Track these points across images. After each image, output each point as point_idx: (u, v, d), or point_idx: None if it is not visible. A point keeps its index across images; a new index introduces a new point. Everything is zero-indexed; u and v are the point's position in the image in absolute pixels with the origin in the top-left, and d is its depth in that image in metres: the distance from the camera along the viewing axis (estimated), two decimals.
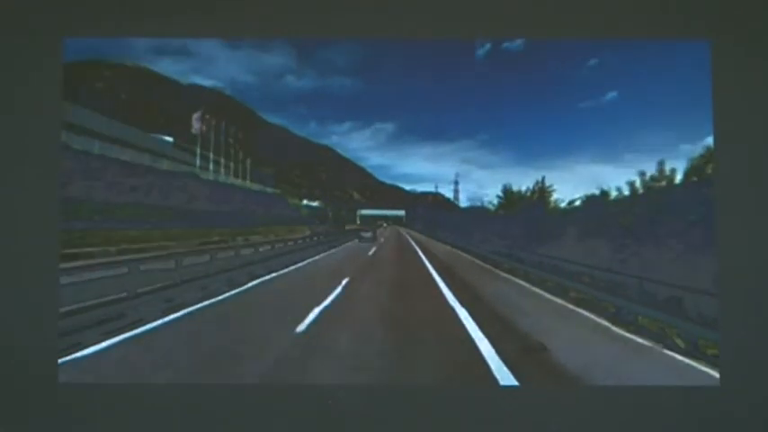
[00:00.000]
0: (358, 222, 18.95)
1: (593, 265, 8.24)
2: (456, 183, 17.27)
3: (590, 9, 4.81)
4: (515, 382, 4.54)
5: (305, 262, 12.14)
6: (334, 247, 15.24)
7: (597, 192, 11.28)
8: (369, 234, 15.19)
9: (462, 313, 6.89)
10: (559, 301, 7.82)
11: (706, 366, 4.82)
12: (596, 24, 4.83)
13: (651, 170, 11.34)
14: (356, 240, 15.40)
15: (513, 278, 9.92)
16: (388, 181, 17.20)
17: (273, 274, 10.08)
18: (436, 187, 17.57)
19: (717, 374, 4.56)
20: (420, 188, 16.74)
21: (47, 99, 4.61)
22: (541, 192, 12.82)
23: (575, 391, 4.53)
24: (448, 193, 17.42)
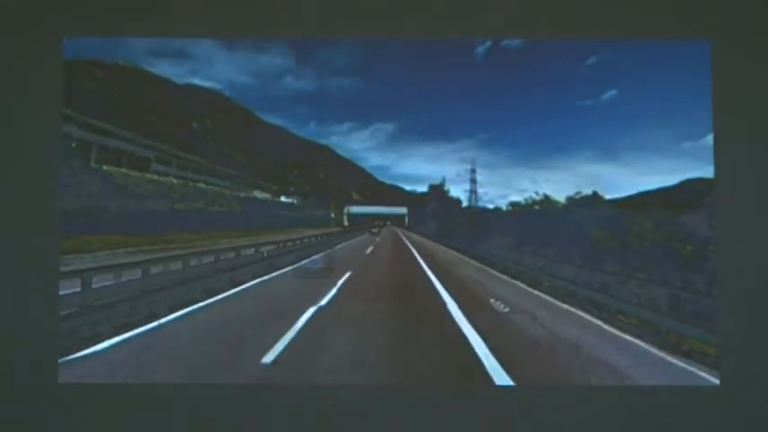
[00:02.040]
0: (345, 224, 16.77)
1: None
2: (473, 171, 14.81)
3: (590, 9, 4.81)
4: (510, 382, 4.55)
5: None
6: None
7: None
8: (376, 230, 16.77)
9: None
10: None
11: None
12: (596, 24, 4.83)
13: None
14: None
15: None
16: (388, 181, 17.02)
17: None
18: (444, 180, 15.30)
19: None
20: (420, 188, 16.56)
21: (47, 99, 4.60)
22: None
23: (574, 390, 4.53)
24: (453, 191, 16.10)
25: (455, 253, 13.95)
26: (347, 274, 10.12)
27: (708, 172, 4.72)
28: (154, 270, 7.33)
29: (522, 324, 6.68)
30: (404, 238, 16.45)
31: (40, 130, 4.60)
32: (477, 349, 5.38)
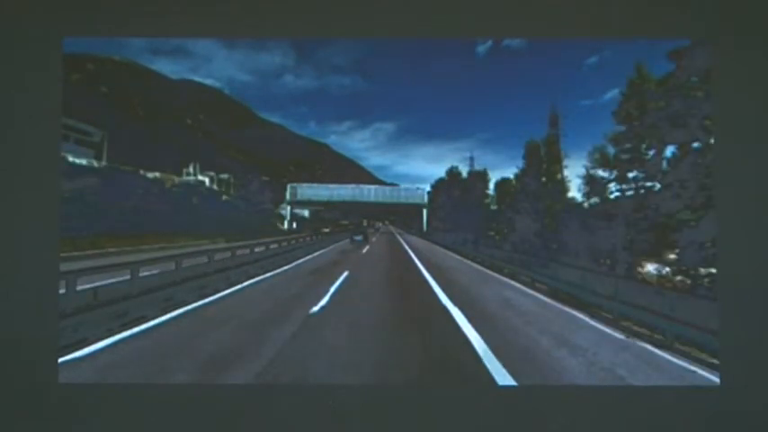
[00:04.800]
0: (286, 225, 8.37)
1: None
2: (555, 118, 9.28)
3: (590, 9, 4.81)
4: (512, 381, 4.57)
5: None
6: None
7: None
8: (381, 227, 10.77)
9: None
10: None
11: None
12: (596, 24, 4.83)
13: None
14: None
15: None
16: (388, 180, 16.89)
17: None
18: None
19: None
20: (420, 188, 16.39)
21: (47, 98, 4.59)
22: None
23: (575, 390, 4.54)
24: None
25: None
26: None
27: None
28: None
29: None
30: None
31: (41, 130, 4.58)
32: None
